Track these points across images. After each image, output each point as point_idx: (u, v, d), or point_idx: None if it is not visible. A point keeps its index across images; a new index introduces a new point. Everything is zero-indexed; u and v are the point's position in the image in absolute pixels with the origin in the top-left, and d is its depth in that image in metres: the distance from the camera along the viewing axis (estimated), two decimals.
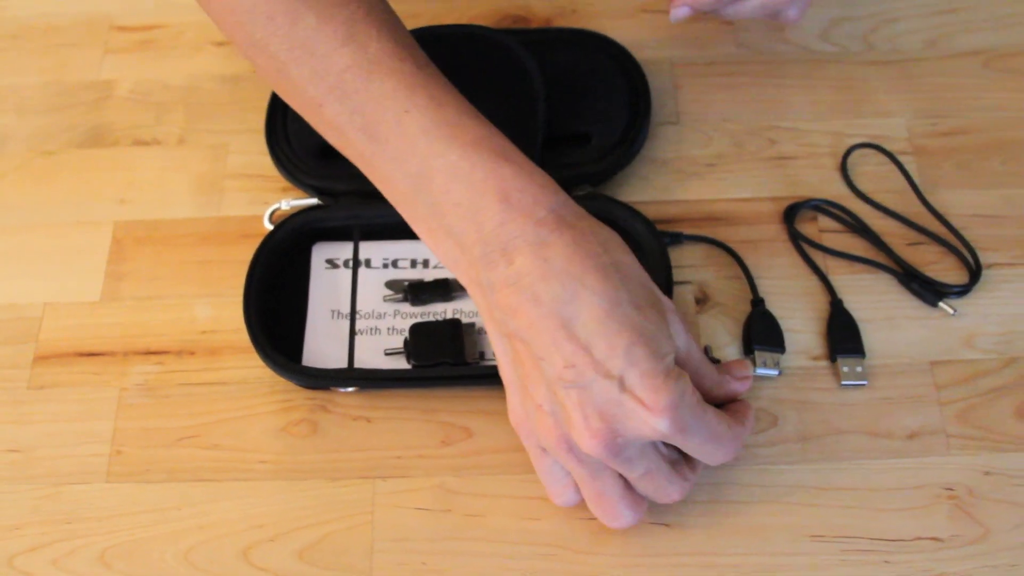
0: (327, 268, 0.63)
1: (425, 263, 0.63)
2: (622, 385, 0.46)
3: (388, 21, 0.51)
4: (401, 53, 0.50)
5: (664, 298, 0.51)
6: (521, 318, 0.47)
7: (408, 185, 0.49)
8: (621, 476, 0.51)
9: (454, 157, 0.48)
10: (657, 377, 0.47)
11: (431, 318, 0.61)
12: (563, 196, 0.49)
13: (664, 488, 0.51)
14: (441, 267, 0.62)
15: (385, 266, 0.63)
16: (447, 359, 0.58)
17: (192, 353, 0.61)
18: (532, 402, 0.49)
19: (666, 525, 0.55)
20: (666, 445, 0.52)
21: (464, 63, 0.62)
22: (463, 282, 0.51)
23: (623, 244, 0.50)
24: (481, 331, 0.60)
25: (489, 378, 0.57)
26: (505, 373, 0.51)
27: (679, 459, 0.52)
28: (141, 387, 0.60)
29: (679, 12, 0.64)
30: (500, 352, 0.51)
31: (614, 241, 0.49)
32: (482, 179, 0.48)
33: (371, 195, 0.62)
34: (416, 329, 0.59)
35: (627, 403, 0.46)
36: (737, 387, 0.54)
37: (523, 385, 0.49)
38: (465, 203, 0.48)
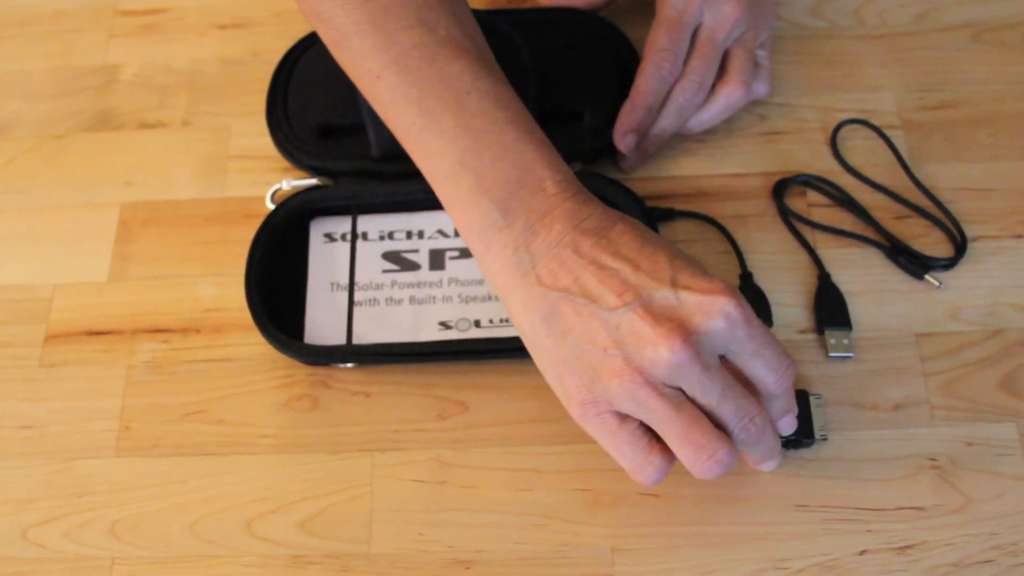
0: (325, 242, 0.64)
1: (420, 234, 0.64)
2: (675, 285, 0.48)
3: (458, 8, 0.54)
4: (467, 40, 0.53)
5: None
6: (566, 272, 0.49)
7: (455, 159, 0.52)
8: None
9: (508, 138, 0.51)
10: (705, 275, 0.49)
11: (428, 286, 0.62)
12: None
13: (746, 408, 0.49)
14: (434, 238, 0.63)
15: (382, 238, 0.63)
16: None
17: (197, 331, 0.62)
18: (597, 355, 0.49)
19: (655, 496, 0.56)
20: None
21: None
22: (494, 269, 0.51)
23: None
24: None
25: (483, 353, 0.59)
26: (553, 362, 0.51)
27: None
28: (148, 364, 0.61)
29: (627, 141, 0.64)
30: (545, 336, 0.50)
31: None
32: (531, 160, 0.51)
33: (369, 175, 0.64)
34: None
35: (686, 298, 0.48)
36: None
37: (581, 352, 0.49)
38: (512, 179, 0.51)
